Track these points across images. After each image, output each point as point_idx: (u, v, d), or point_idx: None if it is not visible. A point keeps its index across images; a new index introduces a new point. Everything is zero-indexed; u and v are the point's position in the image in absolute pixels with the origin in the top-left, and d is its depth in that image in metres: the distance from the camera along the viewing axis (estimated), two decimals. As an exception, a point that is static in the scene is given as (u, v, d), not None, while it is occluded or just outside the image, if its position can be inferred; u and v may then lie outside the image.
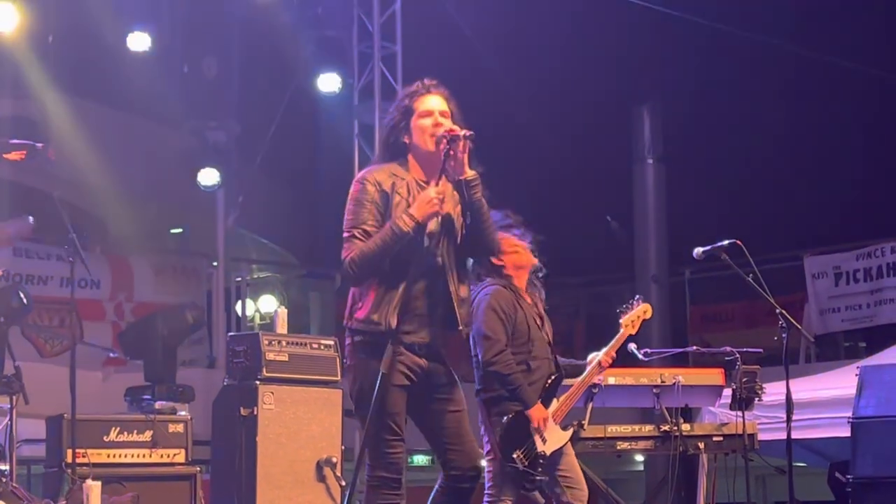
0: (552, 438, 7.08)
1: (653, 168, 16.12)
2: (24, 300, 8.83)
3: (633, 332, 7.58)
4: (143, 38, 12.31)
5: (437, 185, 5.40)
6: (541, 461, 7.00)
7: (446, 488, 5.56)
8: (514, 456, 6.96)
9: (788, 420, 7.45)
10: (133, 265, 13.50)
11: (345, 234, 5.49)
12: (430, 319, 5.42)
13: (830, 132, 15.89)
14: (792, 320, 7.47)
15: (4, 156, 8.44)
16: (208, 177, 12.76)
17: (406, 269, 5.34)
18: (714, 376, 9.03)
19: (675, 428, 8.45)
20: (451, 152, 5.46)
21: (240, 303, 15.35)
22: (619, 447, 8.60)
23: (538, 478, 7.00)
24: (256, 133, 14.14)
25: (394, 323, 5.29)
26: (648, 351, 8.65)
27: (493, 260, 7.11)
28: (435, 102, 5.63)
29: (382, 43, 12.94)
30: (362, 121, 13.03)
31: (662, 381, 8.58)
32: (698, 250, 7.71)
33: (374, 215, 5.42)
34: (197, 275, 14.23)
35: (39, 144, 7.79)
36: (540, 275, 7.50)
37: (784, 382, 7.50)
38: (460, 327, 5.49)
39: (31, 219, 8.36)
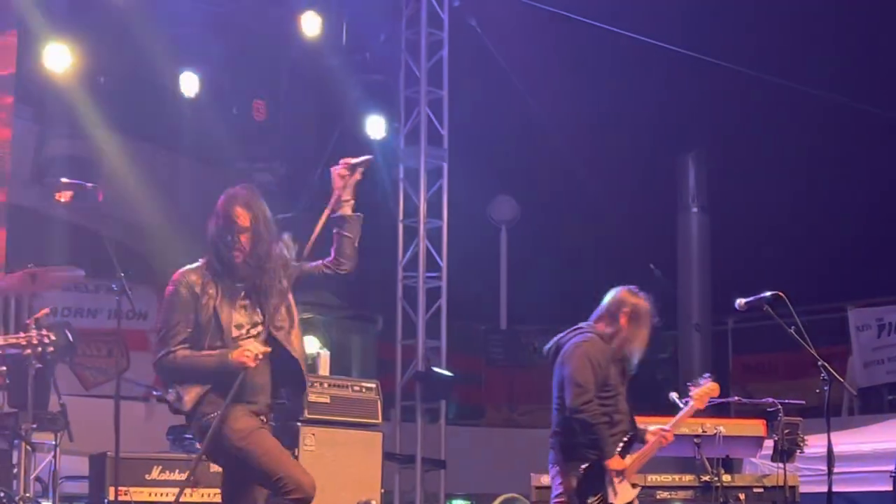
0: (622, 493, 7.18)
1: (697, 217, 16.11)
2: (70, 338, 8.93)
3: (701, 407, 7.63)
4: (194, 80, 12.46)
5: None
6: None
7: None
8: (589, 502, 7.05)
9: (829, 473, 7.41)
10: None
11: (159, 331, 5.94)
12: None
13: (877, 184, 15.82)
14: (834, 373, 7.44)
15: (56, 195, 8.55)
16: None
17: None
18: (756, 427, 9.00)
19: (716, 478, 8.43)
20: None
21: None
22: (658, 496, 8.59)
23: None
24: (302, 175, 14.23)
25: None
26: (689, 400, 8.62)
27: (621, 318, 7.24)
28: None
29: (429, 88, 13.01)
30: (407, 165, 13.10)
31: (704, 431, 8.56)
32: (741, 301, 7.70)
33: (186, 317, 5.87)
34: (241, 315, 14.28)
35: (89, 184, 7.89)
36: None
37: (826, 435, 7.46)
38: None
39: (82, 273, 8.49)
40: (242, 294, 5.92)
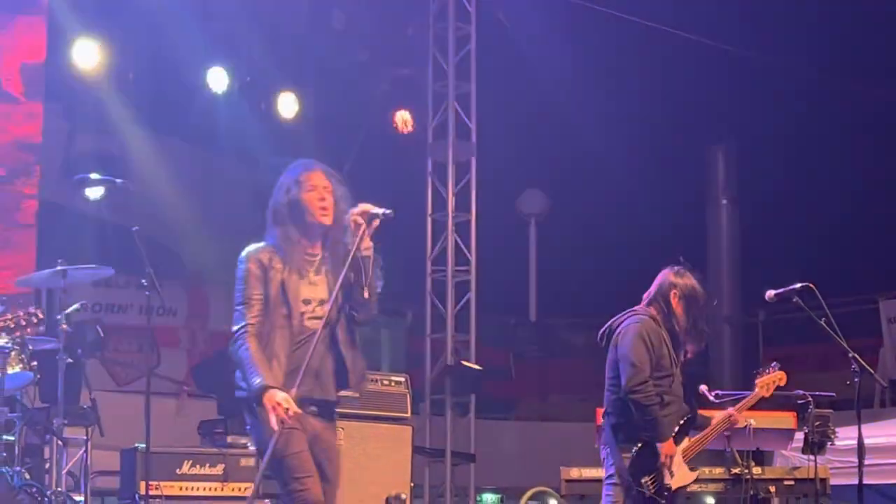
0: (679, 475, 7.15)
1: (726, 209, 16.06)
2: (101, 334, 8.98)
3: (767, 394, 7.62)
4: (222, 76, 12.51)
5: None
6: (666, 493, 7.08)
7: None
8: (643, 481, 7.02)
9: (860, 465, 7.38)
10: (209, 295, 13.70)
11: (236, 307, 5.92)
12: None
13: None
14: (865, 365, 7.40)
15: (86, 191, 8.61)
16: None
17: None
18: (786, 419, 8.97)
19: (747, 471, 8.40)
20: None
21: (312, 337, 15.41)
22: (689, 489, 8.54)
23: None
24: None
25: None
26: (720, 393, 8.58)
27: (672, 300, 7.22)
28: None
29: (457, 82, 13.01)
30: (435, 159, 13.10)
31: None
32: (770, 293, 7.65)
33: (259, 288, 5.88)
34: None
35: (119, 180, 7.93)
36: None
37: (857, 427, 7.42)
38: None
39: (111, 271, 8.58)
40: (312, 270, 5.93)
